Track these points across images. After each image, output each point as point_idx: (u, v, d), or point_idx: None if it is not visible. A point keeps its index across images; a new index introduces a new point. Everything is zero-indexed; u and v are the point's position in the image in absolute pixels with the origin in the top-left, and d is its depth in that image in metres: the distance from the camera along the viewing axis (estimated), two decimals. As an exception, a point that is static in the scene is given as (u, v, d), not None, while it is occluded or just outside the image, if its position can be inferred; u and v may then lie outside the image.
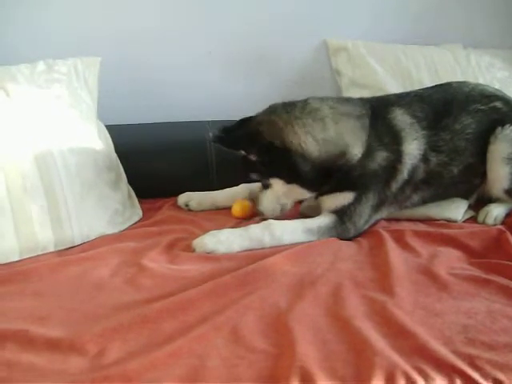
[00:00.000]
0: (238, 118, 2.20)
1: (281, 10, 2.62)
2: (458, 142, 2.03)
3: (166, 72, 2.56)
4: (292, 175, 1.90)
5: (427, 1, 2.77)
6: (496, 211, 2.04)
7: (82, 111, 2.06)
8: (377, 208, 1.96)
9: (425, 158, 1.98)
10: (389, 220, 2.05)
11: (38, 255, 1.78)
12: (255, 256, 1.70)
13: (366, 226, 1.95)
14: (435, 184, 2.04)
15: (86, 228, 1.89)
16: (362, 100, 2.06)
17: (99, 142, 2.08)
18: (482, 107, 2.08)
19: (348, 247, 1.82)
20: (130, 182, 2.19)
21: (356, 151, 1.89)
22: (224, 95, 2.57)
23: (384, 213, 2.02)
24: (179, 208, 2.21)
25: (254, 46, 2.59)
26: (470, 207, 2.12)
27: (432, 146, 1.99)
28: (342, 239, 1.87)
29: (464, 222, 2.05)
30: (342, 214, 1.90)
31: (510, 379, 1.13)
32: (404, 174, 1.96)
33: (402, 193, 2.00)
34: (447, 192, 2.09)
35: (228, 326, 1.32)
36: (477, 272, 1.61)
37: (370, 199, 1.92)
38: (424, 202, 2.07)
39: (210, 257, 1.75)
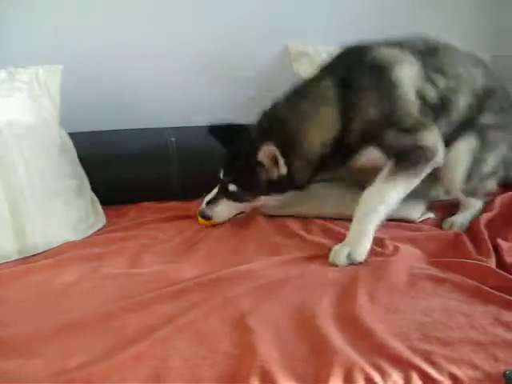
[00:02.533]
0: (200, 124, 2.21)
1: (243, 15, 2.63)
2: (459, 69, 1.99)
3: (127, 79, 2.55)
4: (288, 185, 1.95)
5: (387, 5, 2.81)
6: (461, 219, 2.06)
7: (44, 119, 2.05)
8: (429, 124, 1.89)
9: (430, 78, 1.92)
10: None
11: (1, 263, 1.78)
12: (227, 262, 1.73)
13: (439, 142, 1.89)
14: (449, 111, 1.96)
15: (50, 235, 1.90)
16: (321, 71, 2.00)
17: (62, 150, 2.07)
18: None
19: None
20: (94, 188, 2.19)
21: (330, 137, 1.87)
22: (186, 101, 2.57)
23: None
24: (143, 214, 2.22)
25: (216, 51, 2.59)
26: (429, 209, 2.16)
27: (434, 68, 1.94)
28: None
29: (422, 222, 2.08)
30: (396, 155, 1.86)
31: (464, 373, 1.16)
32: (409, 96, 1.88)
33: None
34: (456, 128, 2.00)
35: (190, 328, 1.34)
36: (434, 271, 1.64)
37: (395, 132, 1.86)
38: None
39: (172, 262, 1.77)
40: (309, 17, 2.71)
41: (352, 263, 1.70)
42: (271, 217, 2.13)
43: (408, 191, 1.85)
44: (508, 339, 1.27)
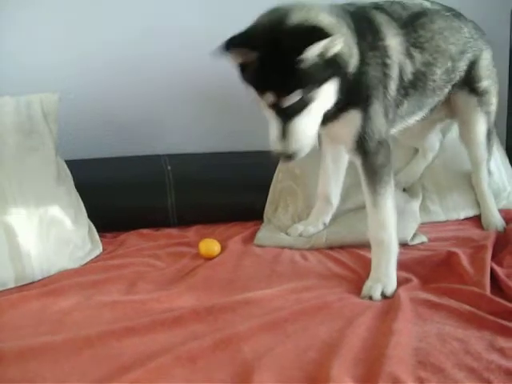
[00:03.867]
0: (196, 152, 2.23)
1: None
2: (438, 41, 2.00)
3: (124, 106, 2.59)
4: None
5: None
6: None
7: (42, 149, 2.07)
8: (387, 114, 1.84)
9: (409, 54, 1.89)
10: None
11: (-3, 291, 1.78)
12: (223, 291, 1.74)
13: (388, 138, 1.84)
14: (421, 88, 1.97)
15: (47, 264, 1.90)
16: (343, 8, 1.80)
17: (59, 178, 2.09)
18: (448, 14, 2.10)
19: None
20: (91, 216, 2.20)
21: (354, 59, 1.70)
22: (183, 129, 2.60)
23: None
24: (140, 241, 2.24)
25: (213, 79, 2.61)
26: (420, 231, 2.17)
27: (414, 43, 1.92)
28: (390, 167, 1.81)
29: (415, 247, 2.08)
30: (363, 141, 1.77)
31: (457, 398, 1.17)
32: (395, 70, 1.83)
33: (397, 96, 1.88)
34: (427, 100, 2.05)
35: (186, 356, 1.34)
36: (430, 296, 1.65)
37: (378, 109, 1.78)
38: (411, 112, 2.03)
39: (169, 290, 1.77)
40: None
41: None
42: (265, 247, 2.14)
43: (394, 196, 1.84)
44: (502, 365, 1.27)
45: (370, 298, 1.68)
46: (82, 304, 1.68)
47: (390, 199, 1.80)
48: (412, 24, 1.94)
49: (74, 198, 2.15)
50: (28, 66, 2.44)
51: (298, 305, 1.60)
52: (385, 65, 1.79)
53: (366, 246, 1.92)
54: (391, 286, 1.73)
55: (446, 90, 2.11)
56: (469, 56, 2.12)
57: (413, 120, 2.10)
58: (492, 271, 1.77)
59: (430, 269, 1.86)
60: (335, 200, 2.23)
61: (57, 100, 2.19)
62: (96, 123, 2.54)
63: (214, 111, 2.66)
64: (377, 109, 1.77)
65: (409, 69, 1.89)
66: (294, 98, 1.55)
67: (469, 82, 2.15)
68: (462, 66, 2.11)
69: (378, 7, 1.91)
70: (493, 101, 2.22)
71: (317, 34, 1.52)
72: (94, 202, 2.22)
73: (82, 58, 2.50)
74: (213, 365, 1.32)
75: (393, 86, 1.83)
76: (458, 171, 2.46)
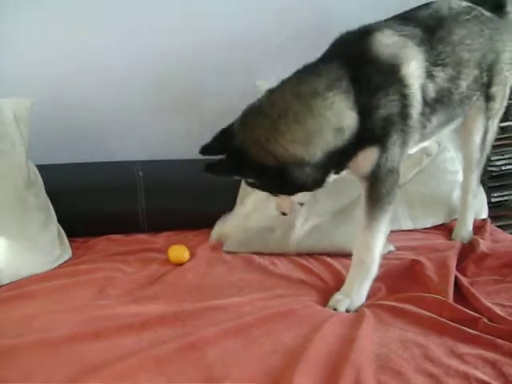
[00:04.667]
0: (169, 158, 2.23)
1: (214, 51, 2.67)
2: (460, 53, 1.90)
3: (96, 112, 2.59)
4: (297, 186, 1.74)
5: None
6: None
7: (12, 153, 2.07)
8: (406, 142, 1.79)
9: (430, 74, 1.80)
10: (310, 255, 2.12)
11: (-36, 295, 1.78)
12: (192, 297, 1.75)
13: (399, 166, 1.81)
14: (447, 102, 1.89)
15: (15, 268, 1.90)
16: (327, 57, 1.76)
17: (29, 182, 2.09)
18: (468, 17, 1.98)
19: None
20: (61, 220, 2.20)
21: (347, 121, 1.66)
22: (155, 135, 2.61)
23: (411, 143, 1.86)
24: (109, 246, 2.24)
25: (185, 84, 2.64)
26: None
27: (434, 61, 1.81)
28: (395, 193, 1.80)
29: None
30: (379, 170, 1.75)
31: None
32: (416, 97, 1.75)
33: (421, 118, 1.81)
34: (456, 111, 1.99)
35: (151, 360, 1.35)
36: (394, 304, 1.68)
37: (397, 140, 1.74)
38: (442, 125, 1.98)
39: (137, 295, 1.78)
40: (277, 54, 2.77)
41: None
42: (236, 253, 2.15)
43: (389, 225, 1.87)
44: (460, 370, 1.30)
45: (335, 309, 1.71)
46: (50, 308, 1.68)
47: (384, 226, 1.80)
48: (429, 40, 1.82)
49: (43, 203, 2.14)
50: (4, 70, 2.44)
51: (264, 311, 1.61)
52: (402, 96, 1.72)
53: (338, 255, 2.01)
54: (358, 303, 1.75)
55: (476, 97, 2.07)
56: (489, 58, 2.03)
57: (446, 131, 2.11)
58: (456, 280, 1.80)
59: (396, 278, 1.89)
60: None
61: (29, 105, 2.20)
62: (68, 128, 2.53)
63: (187, 118, 2.68)
64: (394, 140, 1.74)
65: (431, 88, 1.81)
66: None
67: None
68: (485, 67, 2.02)
69: (385, 28, 1.79)
70: (497, 106, 2.16)
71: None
72: (64, 207, 2.22)
73: (54, 62, 2.49)
74: (177, 369, 1.33)
75: (414, 112, 1.77)
76: (429, 180, 2.48)
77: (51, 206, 2.19)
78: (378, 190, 1.78)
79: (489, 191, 2.68)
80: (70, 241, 2.20)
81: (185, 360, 1.36)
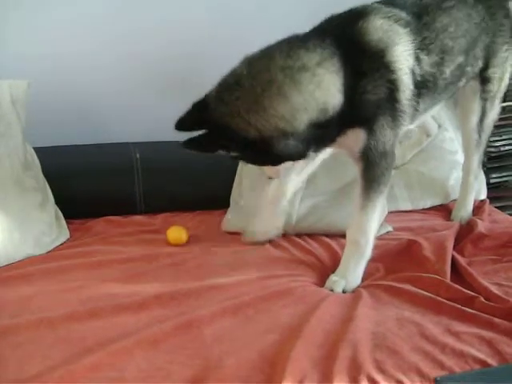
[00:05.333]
0: (164, 140, 2.23)
1: (212, 37, 2.66)
2: (443, 40, 1.88)
3: (93, 94, 2.58)
4: (281, 158, 1.71)
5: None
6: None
7: (9, 135, 2.06)
8: (399, 126, 1.80)
9: (417, 57, 1.79)
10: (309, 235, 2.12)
11: (-39, 276, 1.78)
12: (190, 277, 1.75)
13: (393, 149, 1.81)
14: (432, 87, 1.88)
15: (12, 249, 1.90)
16: (319, 34, 1.72)
17: (26, 164, 2.09)
18: (452, 3, 1.95)
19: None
20: (58, 202, 2.20)
21: (333, 102, 1.64)
22: (152, 116, 2.59)
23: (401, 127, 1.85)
24: (107, 228, 2.24)
25: (183, 68, 2.62)
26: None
27: (419, 45, 1.80)
28: (390, 175, 1.81)
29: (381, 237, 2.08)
30: (369, 151, 1.75)
31: (411, 379, 1.20)
32: (404, 81, 1.75)
33: (412, 101, 1.81)
34: (440, 96, 2.00)
35: (148, 341, 1.35)
36: (392, 283, 1.69)
37: (385, 124, 1.75)
38: (426, 109, 1.98)
39: (135, 276, 1.78)
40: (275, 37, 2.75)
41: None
42: (235, 233, 2.15)
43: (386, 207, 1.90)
44: (456, 348, 1.31)
45: (331, 290, 1.71)
46: (47, 289, 1.67)
47: (378, 207, 1.81)
48: (415, 24, 1.82)
49: (41, 185, 2.14)
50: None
51: (261, 290, 1.62)
52: (389, 81, 1.72)
53: (336, 235, 2.02)
54: (354, 284, 1.75)
55: (464, 81, 2.05)
56: (482, 41, 2.01)
57: (428, 114, 2.12)
58: (453, 259, 1.81)
59: (393, 258, 1.90)
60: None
61: (26, 87, 2.18)
62: (65, 110, 2.52)
63: (184, 99, 2.66)
64: (383, 124, 1.74)
65: (417, 71, 1.80)
66: None
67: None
68: (478, 51, 2.02)
69: (376, 12, 1.77)
70: (494, 88, 2.14)
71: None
72: (61, 189, 2.22)
73: (51, 44, 2.47)
74: (173, 347, 1.33)
75: (403, 97, 1.76)
76: (428, 160, 2.49)
77: (48, 188, 2.18)
78: (371, 171, 1.78)
79: (487, 172, 2.68)
80: (67, 223, 2.20)
81: (181, 339, 1.37)
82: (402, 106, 1.76)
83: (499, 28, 2.06)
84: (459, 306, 1.50)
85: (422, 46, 1.81)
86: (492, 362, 1.27)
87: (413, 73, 1.78)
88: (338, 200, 2.20)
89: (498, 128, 2.42)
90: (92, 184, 2.34)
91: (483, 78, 2.11)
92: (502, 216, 2.31)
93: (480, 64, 2.05)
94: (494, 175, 2.74)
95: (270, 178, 1.96)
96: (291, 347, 1.30)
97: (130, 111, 2.63)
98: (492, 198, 2.54)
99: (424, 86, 1.84)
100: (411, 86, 1.77)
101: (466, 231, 2.06)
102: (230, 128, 1.61)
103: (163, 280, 1.73)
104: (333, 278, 1.76)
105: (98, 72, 2.54)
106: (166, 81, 2.64)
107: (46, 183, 2.18)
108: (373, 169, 1.78)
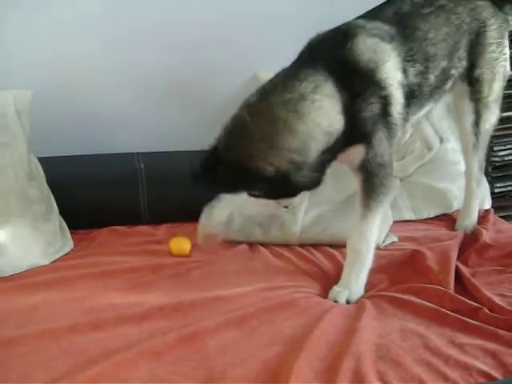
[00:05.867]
0: (170, 150, 2.23)
1: (213, 43, 2.66)
2: (425, 48, 1.90)
3: (97, 104, 2.59)
4: (299, 188, 1.75)
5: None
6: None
7: (14, 145, 2.07)
8: (392, 136, 1.83)
9: (403, 69, 1.84)
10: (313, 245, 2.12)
11: (-34, 286, 1.78)
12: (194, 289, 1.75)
13: (391, 160, 1.85)
14: (419, 95, 1.93)
15: (16, 259, 1.90)
16: (308, 61, 1.77)
17: (30, 174, 2.10)
18: (429, 9, 1.96)
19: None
20: (63, 212, 2.21)
21: (336, 124, 1.69)
22: (156, 127, 2.61)
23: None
24: (111, 238, 2.24)
25: (186, 77, 2.63)
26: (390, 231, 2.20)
27: (405, 57, 1.84)
28: (390, 185, 1.85)
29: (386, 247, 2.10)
30: (368, 164, 1.79)
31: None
32: (396, 95, 1.80)
33: (403, 111, 1.85)
34: (426, 102, 2.02)
35: (151, 352, 1.35)
36: (395, 294, 1.68)
37: (383, 137, 1.79)
38: (413, 114, 1.99)
39: (138, 287, 1.78)
40: (278, 45, 2.76)
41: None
42: (238, 244, 2.16)
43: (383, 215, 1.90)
44: (460, 360, 1.30)
45: (335, 301, 1.72)
46: (51, 299, 1.68)
47: (379, 215, 1.82)
48: (399, 37, 1.85)
49: (45, 195, 2.15)
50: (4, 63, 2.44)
51: (264, 302, 1.62)
52: (382, 98, 1.77)
53: (340, 246, 1.99)
54: (357, 294, 1.76)
55: (450, 84, 2.05)
56: (464, 43, 2.01)
57: (414, 119, 2.10)
58: (457, 270, 1.80)
59: (397, 268, 1.89)
60: None
61: (30, 97, 2.20)
62: (70, 121, 2.53)
63: (188, 110, 2.67)
64: (380, 137, 1.78)
65: (405, 83, 1.84)
66: None
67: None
68: (462, 53, 2.02)
69: (362, 30, 1.80)
70: (484, 89, 2.10)
71: None
72: (66, 199, 2.23)
73: (56, 55, 2.49)
74: (177, 359, 1.33)
75: (395, 110, 1.81)
76: (430, 170, 2.48)
77: (53, 198, 2.19)
78: (371, 181, 1.81)
79: (492, 182, 2.68)
80: (71, 233, 2.21)
81: (185, 351, 1.37)
82: (394, 119, 1.81)
83: (484, 29, 2.04)
84: (463, 318, 1.50)
85: (408, 58, 1.85)
86: (496, 374, 1.26)
87: (402, 86, 1.82)
88: (343, 211, 2.20)
89: (501, 138, 2.42)
90: (96, 194, 2.35)
91: (471, 79, 2.08)
92: (506, 226, 2.30)
93: (465, 65, 2.04)
94: (498, 185, 2.74)
95: (285, 207, 1.99)
96: (294, 359, 1.30)
97: (134, 121, 2.63)
98: (496, 207, 2.54)
99: (412, 96, 1.88)
100: (401, 100, 1.82)
101: (470, 241, 2.04)
102: (247, 169, 1.66)
103: (166, 291, 1.73)
104: (336, 288, 1.76)
105: (102, 83, 2.55)
106: (170, 91, 2.65)
107: (51, 193, 2.19)
108: (372, 178, 1.81)
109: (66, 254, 2.09)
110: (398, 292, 1.70)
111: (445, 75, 2.00)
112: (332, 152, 1.72)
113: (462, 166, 2.39)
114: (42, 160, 2.24)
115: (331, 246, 2.10)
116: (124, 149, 2.53)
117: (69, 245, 2.14)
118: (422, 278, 1.78)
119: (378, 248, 2.04)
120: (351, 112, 1.71)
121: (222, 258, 2.03)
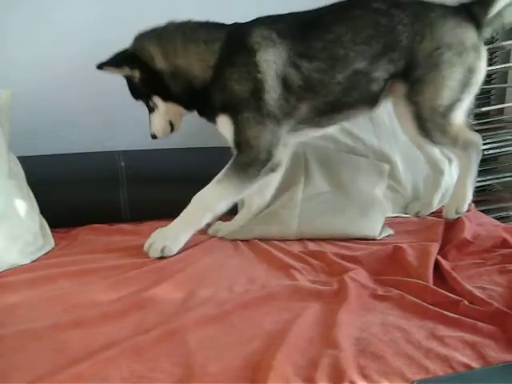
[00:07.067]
0: (149, 148, 2.23)
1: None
2: (333, 49, 2.00)
3: (77, 103, 2.59)
4: (166, 93, 2.09)
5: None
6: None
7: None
8: (270, 124, 2.00)
9: (294, 64, 1.98)
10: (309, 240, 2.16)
11: None
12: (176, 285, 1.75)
13: (277, 146, 2.03)
14: (322, 91, 2.02)
15: (-4, 258, 1.89)
16: (222, 26, 2.09)
17: (10, 173, 2.07)
18: (358, 12, 2.04)
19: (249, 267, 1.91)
20: (43, 211, 2.19)
21: (201, 75, 2.03)
22: (136, 125, 2.58)
23: (286, 128, 2.06)
24: (92, 236, 2.24)
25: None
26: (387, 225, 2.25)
27: (300, 53, 1.98)
28: (257, 170, 2.01)
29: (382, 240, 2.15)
30: (239, 142, 2.02)
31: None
32: (271, 82, 1.97)
33: (286, 103, 2.01)
34: (343, 100, 2.06)
35: (132, 349, 1.35)
36: (376, 288, 1.69)
37: (251, 118, 1.98)
38: (319, 112, 2.08)
39: (120, 284, 1.77)
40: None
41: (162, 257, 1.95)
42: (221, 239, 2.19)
43: (238, 198, 2.07)
44: (441, 353, 1.31)
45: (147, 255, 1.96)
46: (31, 298, 1.66)
47: (232, 189, 2.01)
48: (299, 35, 2.00)
49: (25, 194, 2.13)
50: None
51: (244, 297, 1.63)
52: (255, 79, 1.96)
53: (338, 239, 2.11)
54: (173, 248, 1.99)
55: (377, 86, 2.05)
56: (403, 45, 2.00)
57: (343, 118, 2.18)
58: (437, 263, 1.82)
59: (378, 263, 1.90)
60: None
61: (9, 96, 2.18)
62: (49, 119, 2.53)
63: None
64: (248, 118, 1.97)
65: (295, 76, 1.99)
66: (147, 102, 2.17)
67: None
68: (396, 56, 2.01)
69: (261, 23, 2.03)
70: (427, 90, 2.02)
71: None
72: (46, 198, 2.22)
73: (35, 54, 2.49)
74: (157, 355, 1.33)
75: (269, 97, 1.97)
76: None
77: (33, 197, 2.18)
78: (238, 157, 2.01)
79: (472, 176, 2.68)
80: (52, 231, 2.20)
81: (165, 347, 1.36)
82: (268, 105, 1.98)
83: (427, 30, 2.00)
84: (443, 311, 1.50)
85: (304, 54, 1.99)
86: (476, 365, 1.27)
87: (285, 77, 1.98)
88: (339, 203, 2.27)
89: (481, 132, 2.42)
90: (77, 193, 2.35)
91: (411, 80, 2.03)
92: (486, 219, 2.33)
93: (399, 67, 2.02)
94: (478, 179, 2.74)
95: (154, 138, 2.21)
96: (274, 353, 1.30)
97: (115, 119, 2.64)
98: (477, 201, 2.56)
99: (309, 90, 2.01)
100: (278, 90, 1.98)
101: (451, 235, 2.06)
102: (148, 58, 2.04)
103: (148, 288, 1.72)
104: (151, 239, 2.00)
105: (83, 80, 2.51)
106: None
107: (31, 192, 2.18)
108: (240, 155, 2.01)
109: (47, 253, 2.07)
110: (378, 285, 1.71)
111: (365, 77, 2.03)
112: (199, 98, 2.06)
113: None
114: (21, 159, 2.22)
115: (323, 239, 2.17)
116: (105, 147, 2.53)
117: (50, 243, 2.13)
118: (401, 272, 1.80)
119: (373, 239, 2.13)
120: (223, 77, 1.99)
121: (202, 254, 2.03)
